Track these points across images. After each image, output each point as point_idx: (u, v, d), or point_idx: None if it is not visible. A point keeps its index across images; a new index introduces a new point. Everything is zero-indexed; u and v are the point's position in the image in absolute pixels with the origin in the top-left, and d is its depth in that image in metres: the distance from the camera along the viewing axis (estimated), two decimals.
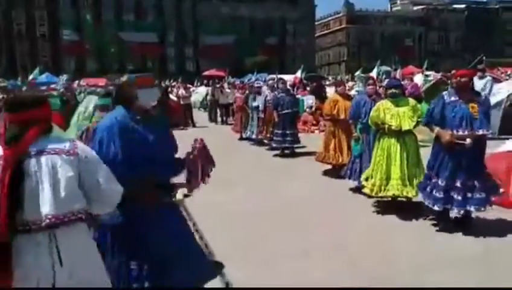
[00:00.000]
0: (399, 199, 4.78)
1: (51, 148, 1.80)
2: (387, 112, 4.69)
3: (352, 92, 11.20)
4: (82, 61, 43.15)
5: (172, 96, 15.67)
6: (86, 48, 43.37)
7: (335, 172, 6.58)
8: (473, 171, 4.00)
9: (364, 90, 6.23)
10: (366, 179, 4.91)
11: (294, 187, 6.11)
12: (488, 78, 9.84)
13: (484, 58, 12.41)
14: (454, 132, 3.94)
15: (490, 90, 9.52)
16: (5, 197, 1.67)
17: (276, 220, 4.73)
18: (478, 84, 9.46)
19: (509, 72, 11.45)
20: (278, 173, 7.27)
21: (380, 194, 4.76)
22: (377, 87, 11.61)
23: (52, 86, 11.99)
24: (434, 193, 4.10)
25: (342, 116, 6.43)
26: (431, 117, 4.15)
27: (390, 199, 4.83)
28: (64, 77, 13.53)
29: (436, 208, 4.12)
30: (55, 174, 1.77)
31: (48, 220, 1.73)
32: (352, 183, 5.73)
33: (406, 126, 4.63)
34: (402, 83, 9.85)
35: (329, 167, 6.89)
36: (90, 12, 44.08)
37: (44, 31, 42.88)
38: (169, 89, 20.96)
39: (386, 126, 4.68)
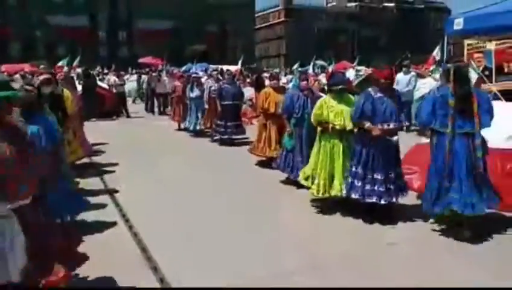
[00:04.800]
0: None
1: None
2: (330, 110, 4.54)
3: (289, 86, 11.42)
4: (4, 45, 39.32)
5: (103, 84, 14.86)
6: (9, 31, 39.55)
7: (267, 163, 6.58)
8: (393, 164, 4.27)
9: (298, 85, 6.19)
10: (306, 179, 4.78)
11: (225, 178, 6.14)
12: (413, 73, 10.52)
13: (409, 55, 13.27)
14: (385, 125, 4.13)
15: (415, 85, 10.22)
16: None
17: (215, 211, 4.69)
18: (403, 79, 10.12)
19: (431, 68, 12.35)
20: (211, 163, 7.28)
21: (326, 195, 4.61)
22: (312, 82, 11.85)
23: None
24: (356, 183, 4.24)
25: (272, 110, 6.51)
26: (363, 113, 4.16)
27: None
28: None
29: (353, 196, 4.24)
30: None
31: None
32: (284, 176, 5.77)
33: (350, 126, 4.48)
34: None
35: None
36: None
37: None
38: (101, 76, 19.90)
39: (330, 125, 4.54)
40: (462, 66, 4.12)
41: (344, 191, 4.39)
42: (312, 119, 4.74)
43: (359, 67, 18.39)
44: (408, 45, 36.33)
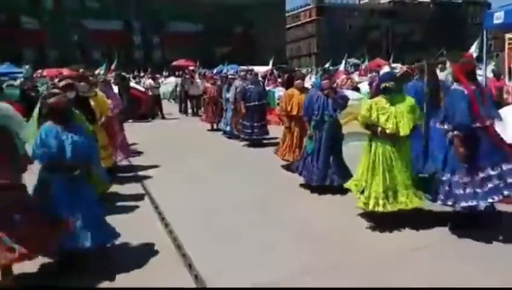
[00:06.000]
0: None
1: None
2: (381, 112, 4.04)
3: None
4: (43, 50, 41.29)
5: (139, 87, 15.30)
6: (46, 36, 41.45)
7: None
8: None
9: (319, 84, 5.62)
10: (356, 185, 4.28)
11: (253, 180, 6.08)
12: (449, 70, 10.17)
13: (445, 52, 12.84)
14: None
15: (452, 81, 9.86)
16: None
17: (239, 215, 4.74)
18: (440, 76, 9.80)
19: None
20: (241, 164, 7.26)
21: (378, 209, 4.02)
22: (345, 80, 11.52)
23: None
24: (454, 190, 3.74)
25: (295, 112, 6.18)
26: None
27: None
28: (27, 68, 12.90)
29: (463, 203, 3.70)
30: None
31: None
32: (303, 180, 5.52)
33: (405, 130, 3.98)
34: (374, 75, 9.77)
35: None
36: None
37: (2, 19, 40.65)
38: (137, 79, 20.51)
39: (379, 129, 4.04)
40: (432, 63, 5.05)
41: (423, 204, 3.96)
42: (360, 122, 4.27)
43: (394, 65, 17.98)
44: (445, 41, 35.06)
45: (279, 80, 16.27)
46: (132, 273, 3.32)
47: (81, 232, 3.23)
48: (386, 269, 3.33)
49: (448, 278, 3.14)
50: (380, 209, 4.02)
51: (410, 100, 4.15)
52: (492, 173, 3.65)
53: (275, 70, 18.43)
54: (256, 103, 8.73)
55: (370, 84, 11.19)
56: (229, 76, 10.88)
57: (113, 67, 16.47)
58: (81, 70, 10.61)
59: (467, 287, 2.97)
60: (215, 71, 17.75)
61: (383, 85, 4.16)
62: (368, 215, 4.32)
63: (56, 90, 3.63)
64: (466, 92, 3.77)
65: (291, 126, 6.41)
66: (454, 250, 3.63)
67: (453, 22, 65.43)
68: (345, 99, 5.32)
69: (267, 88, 12.14)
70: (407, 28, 67.24)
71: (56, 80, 8.09)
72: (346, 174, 5.10)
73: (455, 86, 3.96)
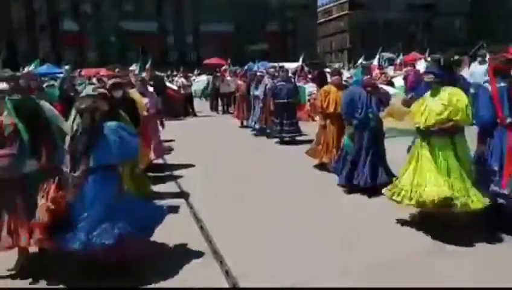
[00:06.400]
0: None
1: None
2: (426, 106, 3.90)
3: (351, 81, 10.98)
4: (82, 52, 43.01)
5: (172, 85, 15.59)
6: (86, 39, 43.16)
7: (325, 166, 6.21)
8: None
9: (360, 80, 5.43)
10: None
11: (284, 179, 6.02)
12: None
13: (485, 44, 12.24)
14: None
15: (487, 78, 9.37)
16: None
17: (267, 214, 4.72)
18: (479, 70, 9.35)
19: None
20: (272, 164, 7.17)
21: (396, 199, 3.95)
22: (378, 75, 11.25)
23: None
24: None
25: (331, 110, 5.93)
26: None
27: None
28: (67, 68, 13.40)
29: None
30: None
31: None
32: (339, 180, 5.35)
33: (424, 123, 3.85)
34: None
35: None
36: (90, 2, 43.89)
37: (44, 22, 42.61)
38: (170, 78, 20.90)
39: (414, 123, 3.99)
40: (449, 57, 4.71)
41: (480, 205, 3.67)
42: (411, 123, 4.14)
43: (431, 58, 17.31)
44: (487, 34, 33.47)
45: (310, 76, 16.08)
46: (164, 268, 3.39)
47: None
48: (415, 271, 3.25)
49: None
50: (398, 199, 3.93)
51: (452, 92, 3.83)
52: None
53: (305, 67, 18.22)
54: (285, 100, 8.67)
55: (405, 78, 10.87)
56: (258, 73, 10.88)
57: (148, 66, 16.85)
58: (116, 70, 10.93)
59: (468, 287, 2.89)
60: (245, 69, 17.75)
61: (428, 78, 4.01)
62: (406, 216, 4.21)
63: (102, 90, 3.73)
64: (490, 89, 3.82)
65: (327, 124, 6.17)
66: (488, 257, 3.46)
67: (495, 13, 62.22)
68: (387, 96, 5.17)
69: (297, 84, 12.06)
70: (446, 21, 64.67)
71: (94, 79, 8.32)
72: (386, 173, 5.00)
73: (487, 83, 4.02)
